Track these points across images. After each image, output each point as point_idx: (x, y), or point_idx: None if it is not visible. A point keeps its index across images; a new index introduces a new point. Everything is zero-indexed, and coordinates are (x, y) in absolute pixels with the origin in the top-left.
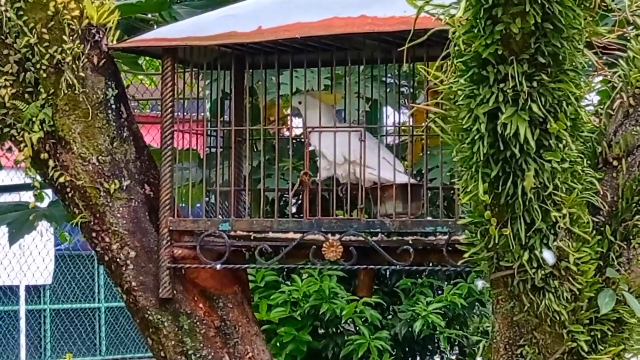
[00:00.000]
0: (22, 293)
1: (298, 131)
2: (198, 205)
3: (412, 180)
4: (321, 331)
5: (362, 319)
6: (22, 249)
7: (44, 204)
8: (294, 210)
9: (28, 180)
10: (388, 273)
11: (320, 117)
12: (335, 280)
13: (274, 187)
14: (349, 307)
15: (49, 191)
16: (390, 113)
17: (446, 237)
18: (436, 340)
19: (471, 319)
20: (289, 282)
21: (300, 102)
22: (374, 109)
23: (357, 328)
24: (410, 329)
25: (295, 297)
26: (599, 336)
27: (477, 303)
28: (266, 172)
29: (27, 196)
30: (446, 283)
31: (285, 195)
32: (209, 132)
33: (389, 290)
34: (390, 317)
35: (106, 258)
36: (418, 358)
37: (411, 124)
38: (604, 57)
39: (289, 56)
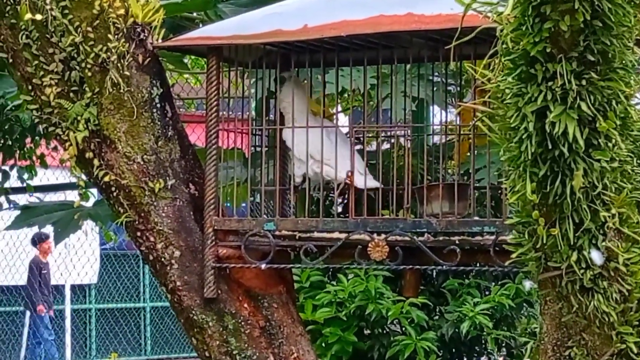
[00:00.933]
0: (67, 292)
1: (344, 130)
2: (243, 204)
3: (377, 184)
4: (367, 332)
5: (409, 320)
6: (67, 249)
7: (89, 203)
8: (339, 209)
9: (73, 180)
10: (435, 273)
11: (293, 109)
12: (381, 280)
13: (319, 187)
14: (395, 308)
15: (94, 190)
16: (437, 112)
17: (493, 237)
18: (483, 342)
19: (519, 320)
20: (334, 282)
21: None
22: (421, 108)
23: (404, 329)
24: (457, 330)
25: (341, 297)
26: None
27: (524, 304)
28: None
29: (73, 195)
30: (493, 284)
31: (331, 195)
32: (253, 131)
33: (436, 290)
34: (436, 317)
35: (151, 257)
36: (465, 359)
37: (458, 123)
38: None
39: (335, 54)
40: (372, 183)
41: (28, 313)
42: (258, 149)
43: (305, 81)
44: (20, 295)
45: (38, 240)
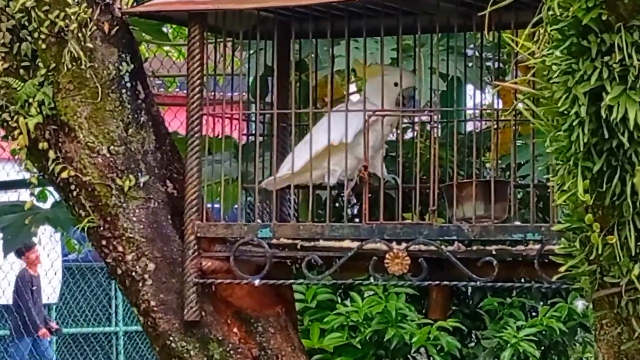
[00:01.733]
0: None
1: (358, 115)
2: (236, 206)
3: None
4: None
5: (437, 347)
6: None
7: (47, 204)
8: (350, 212)
9: (28, 175)
10: (469, 291)
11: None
12: (403, 299)
13: (326, 184)
14: (421, 333)
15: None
16: (472, 93)
17: (538, 246)
18: None
19: (572, 348)
20: (346, 302)
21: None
22: (452, 88)
23: (431, 358)
24: None
25: (355, 320)
26: None
27: (579, 328)
28: None
29: (28, 195)
30: (541, 303)
31: (341, 195)
32: (246, 117)
33: (471, 311)
34: (472, 345)
35: (119, 271)
36: None
37: (497, 106)
38: None
39: (345, 22)
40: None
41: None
42: (252, 138)
43: (311, 55)
44: None
45: (23, 250)
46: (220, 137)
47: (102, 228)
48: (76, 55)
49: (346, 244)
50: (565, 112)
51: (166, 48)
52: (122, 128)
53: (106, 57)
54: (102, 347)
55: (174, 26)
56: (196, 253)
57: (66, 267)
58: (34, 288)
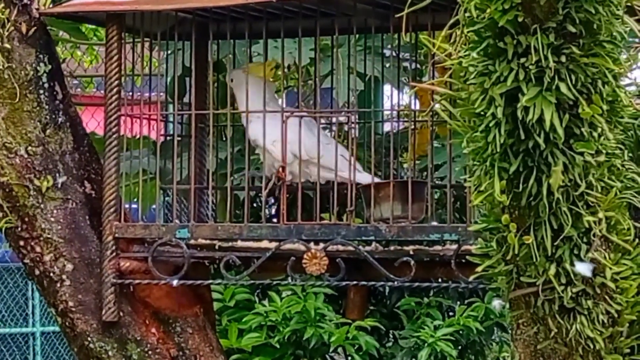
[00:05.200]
0: None
1: (277, 115)
2: (154, 207)
3: (376, 179)
4: None
5: (355, 347)
6: None
7: None
8: (268, 212)
9: None
10: (387, 291)
11: (248, 99)
12: (322, 299)
13: (244, 185)
14: (339, 333)
15: None
16: (389, 93)
17: (455, 246)
18: None
19: (489, 347)
20: (265, 302)
21: (232, 80)
22: (369, 88)
23: (349, 357)
24: (414, 359)
25: (273, 319)
26: None
27: (496, 327)
28: (235, 166)
29: None
30: (458, 303)
31: (259, 195)
32: (164, 117)
33: (388, 311)
34: (389, 344)
35: (37, 272)
36: None
37: (414, 107)
38: None
39: (263, 24)
40: (365, 178)
41: None
42: (170, 138)
43: (229, 55)
44: None
45: None
46: (138, 137)
47: (19, 229)
48: None
49: (264, 244)
50: (482, 113)
51: (82, 50)
52: (40, 129)
53: (24, 58)
54: (19, 347)
55: (90, 26)
56: (114, 254)
57: None
58: None
